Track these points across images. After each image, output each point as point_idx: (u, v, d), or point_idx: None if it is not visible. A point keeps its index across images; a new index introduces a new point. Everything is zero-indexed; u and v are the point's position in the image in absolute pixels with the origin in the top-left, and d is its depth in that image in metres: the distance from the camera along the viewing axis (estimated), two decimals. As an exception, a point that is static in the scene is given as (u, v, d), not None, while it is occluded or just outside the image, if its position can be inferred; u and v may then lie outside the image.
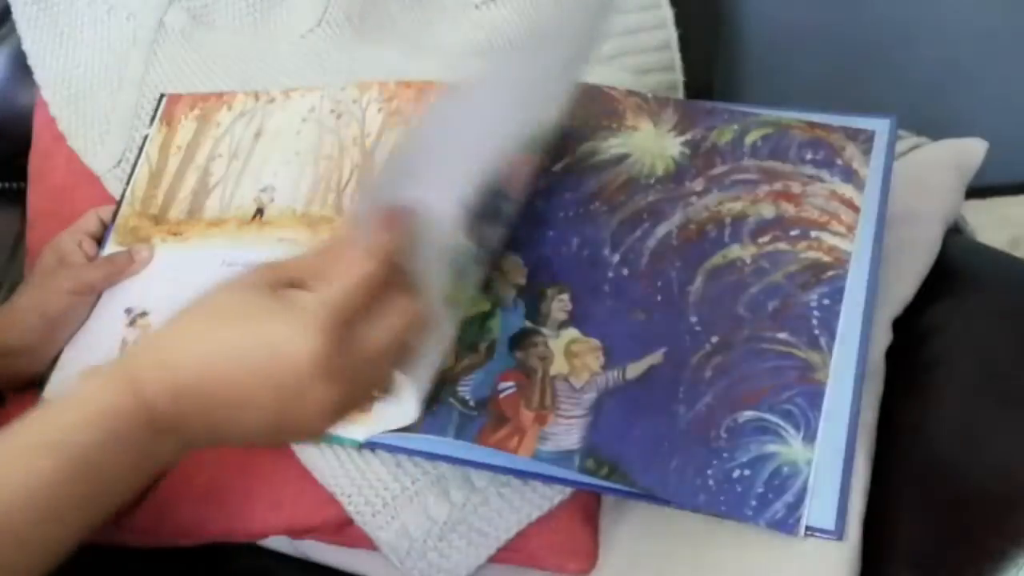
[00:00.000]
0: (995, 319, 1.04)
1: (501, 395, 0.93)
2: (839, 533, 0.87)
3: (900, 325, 1.02)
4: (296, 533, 1.04)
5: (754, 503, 0.88)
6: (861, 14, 1.59)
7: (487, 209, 0.86)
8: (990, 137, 1.16)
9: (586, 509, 1.00)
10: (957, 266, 1.10)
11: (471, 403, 0.93)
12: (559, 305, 0.96)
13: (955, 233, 1.17)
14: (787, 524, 0.87)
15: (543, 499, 0.97)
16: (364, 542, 1.00)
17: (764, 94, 1.06)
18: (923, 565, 0.90)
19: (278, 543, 1.07)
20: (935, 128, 1.15)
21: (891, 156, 0.99)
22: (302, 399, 0.67)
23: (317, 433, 0.73)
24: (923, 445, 0.94)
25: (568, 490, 0.97)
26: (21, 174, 1.31)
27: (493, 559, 0.97)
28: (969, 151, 1.16)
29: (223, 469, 1.04)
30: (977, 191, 1.19)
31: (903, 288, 1.05)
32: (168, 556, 1.08)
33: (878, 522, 0.89)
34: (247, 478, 1.03)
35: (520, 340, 0.95)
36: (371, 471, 0.99)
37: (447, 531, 0.97)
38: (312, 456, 1.01)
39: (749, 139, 1.01)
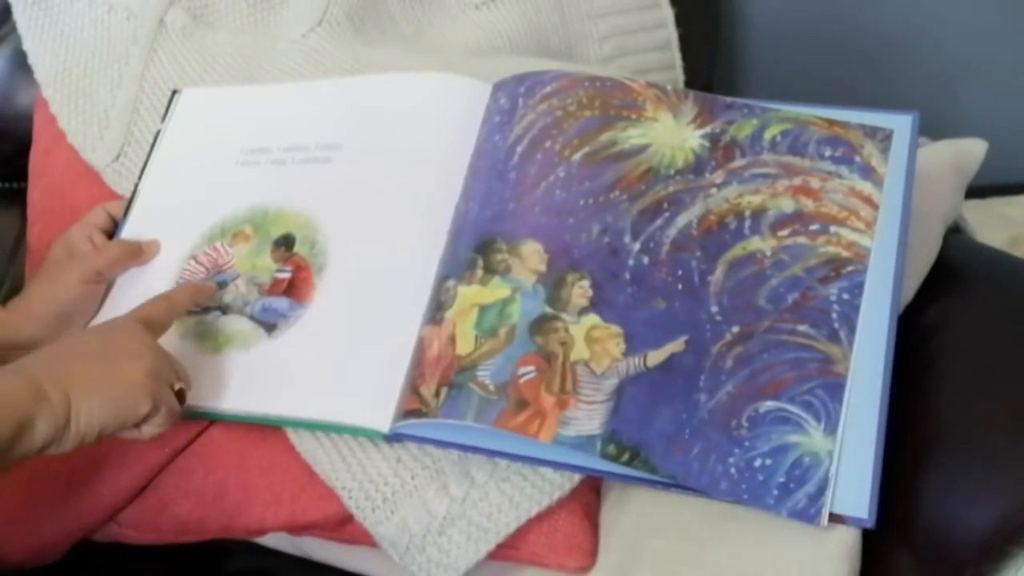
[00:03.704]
0: (995, 319, 1.05)
1: (521, 379, 0.93)
2: (872, 520, 0.88)
3: (900, 324, 1.03)
4: (296, 529, 1.03)
5: (776, 492, 0.89)
6: (861, 15, 1.60)
7: None
8: (990, 137, 1.17)
9: (586, 507, 1.00)
10: (957, 266, 1.11)
11: (491, 387, 0.93)
12: (579, 291, 0.96)
13: (955, 233, 1.19)
14: (808, 513, 0.88)
15: (542, 494, 0.97)
16: (364, 539, 1.00)
17: (764, 94, 1.06)
18: (924, 556, 0.91)
19: (278, 541, 1.07)
20: (935, 128, 1.16)
21: (914, 151, 1.00)
22: (120, 331, 0.94)
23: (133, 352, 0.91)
24: (923, 442, 0.95)
25: (568, 486, 0.97)
26: (21, 174, 1.30)
27: (493, 556, 0.96)
28: (969, 151, 1.17)
29: (223, 466, 1.03)
30: (977, 191, 1.21)
31: (903, 288, 1.06)
32: (167, 554, 1.08)
33: (880, 513, 0.89)
34: (247, 474, 1.03)
35: (540, 325, 0.95)
36: (372, 465, 0.99)
37: (447, 526, 0.96)
38: (313, 450, 1.01)
39: (768, 134, 1.02)
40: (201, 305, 1.07)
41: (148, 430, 0.93)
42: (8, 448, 0.81)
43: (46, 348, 0.92)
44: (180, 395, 0.94)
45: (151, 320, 0.98)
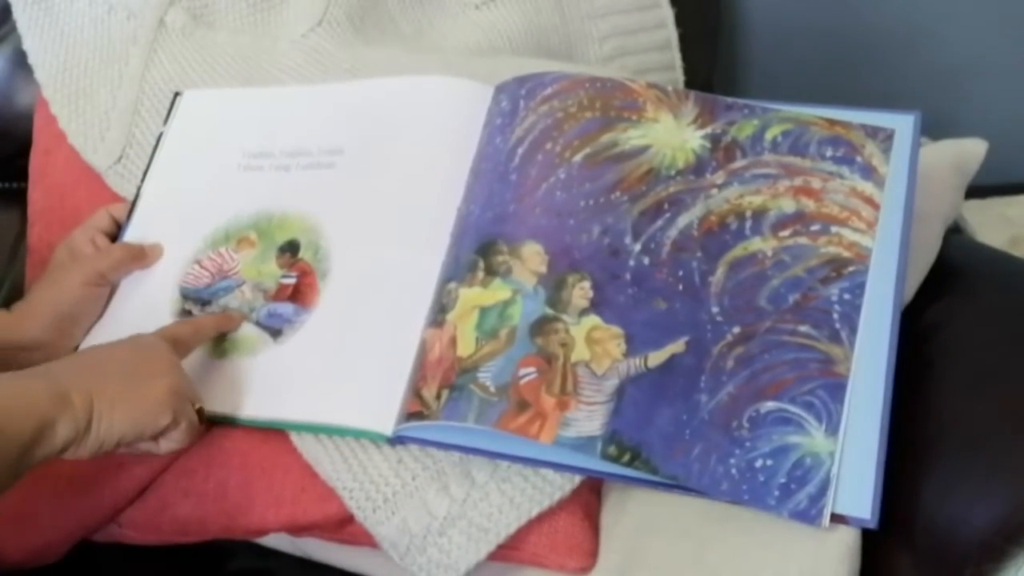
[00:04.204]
0: (995, 319, 1.05)
1: (522, 381, 0.93)
2: (875, 521, 0.88)
3: (900, 324, 1.03)
4: (297, 530, 1.03)
5: (777, 493, 0.89)
6: (861, 16, 1.60)
7: None
8: (990, 137, 1.17)
9: (587, 508, 1.00)
10: (957, 266, 1.11)
11: (492, 389, 0.93)
12: (580, 292, 0.97)
13: (955, 233, 1.19)
14: (809, 514, 0.88)
15: (543, 495, 0.96)
16: (365, 539, 1.00)
17: (764, 94, 1.06)
18: (924, 555, 0.91)
19: (279, 541, 1.07)
20: (935, 128, 1.16)
21: (916, 151, 1.00)
22: (148, 348, 0.96)
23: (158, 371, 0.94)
24: (923, 442, 0.95)
25: (569, 487, 0.97)
26: (21, 174, 1.30)
27: (494, 557, 0.96)
28: (969, 151, 1.17)
29: (224, 466, 1.03)
30: (977, 191, 1.20)
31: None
32: (168, 555, 1.07)
33: (881, 513, 0.89)
34: (247, 475, 1.03)
35: (540, 326, 0.95)
36: (372, 465, 0.99)
37: (447, 526, 0.96)
38: (315, 450, 1.01)
39: (769, 134, 1.02)
40: (226, 332, 1.08)
41: (166, 444, 0.95)
42: (28, 449, 0.82)
43: (75, 354, 0.96)
44: (200, 414, 0.96)
45: (177, 340, 1.00)
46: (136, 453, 0.96)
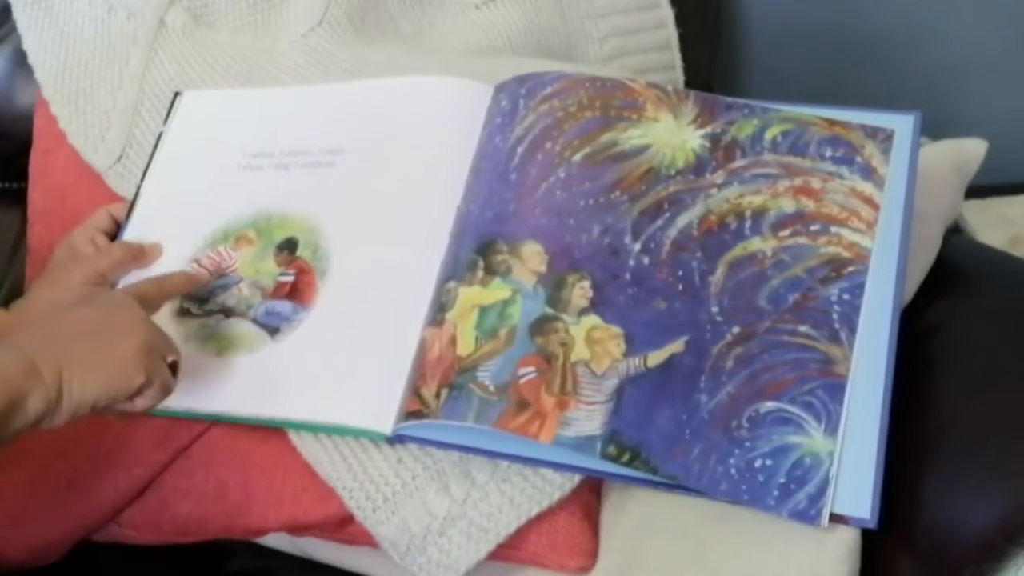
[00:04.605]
0: (995, 319, 1.05)
1: (521, 380, 0.93)
2: (875, 520, 0.88)
3: (900, 324, 1.03)
4: (297, 530, 1.03)
5: (776, 493, 0.89)
6: (861, 15, 1.60)
7: None
8: (990, 137, 1.17)
9: (586, 508, 1.00)
10: (957, 266, 1.12)
11: (491, 388, 0.93)
12: (580, 292, 0.97)
13: (955, 233, 1.19)
14: (809, 514, 0.88)
15: (543, 495, 0.97)
16: (365, 539, 1.00)
17: (764, 94, 1.06)
18: (924, 555, 0.91)
19: (279, 541, 1.07)
20: (935, 128, 1.16)
21: (916, 151, 1.00)
22: (114, 305, 0.94)
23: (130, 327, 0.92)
24: (923, 442, 0.95)
25: (569, 487, 0.97)
26: (21, 174, 1.30)
27: (494, 556, 0.97)
28: (969, 151, 1.17)
29: (223, 466, 1.04)
30: (977, 191, 1.20)
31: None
32: (167, 555, 1.08)
33: (880, 513, 0.89)
34: (247, 475, 1.03)
35: (540, 326, 0.95)
36: (372, 465, 0.99)
37: (447, 526, 0.96)
38: (315, 450, 1.01)
39: (769, 134, 1.02)
40: (194, 289, 1.08)
41: (141, 402, 0.92)
42: (1, 425, 0.81)
43: (41, 323, 0.93)
44: (173, 367, 0.94)
45: (144, 296, 0.99)
46: (114, 414, 0.94)
